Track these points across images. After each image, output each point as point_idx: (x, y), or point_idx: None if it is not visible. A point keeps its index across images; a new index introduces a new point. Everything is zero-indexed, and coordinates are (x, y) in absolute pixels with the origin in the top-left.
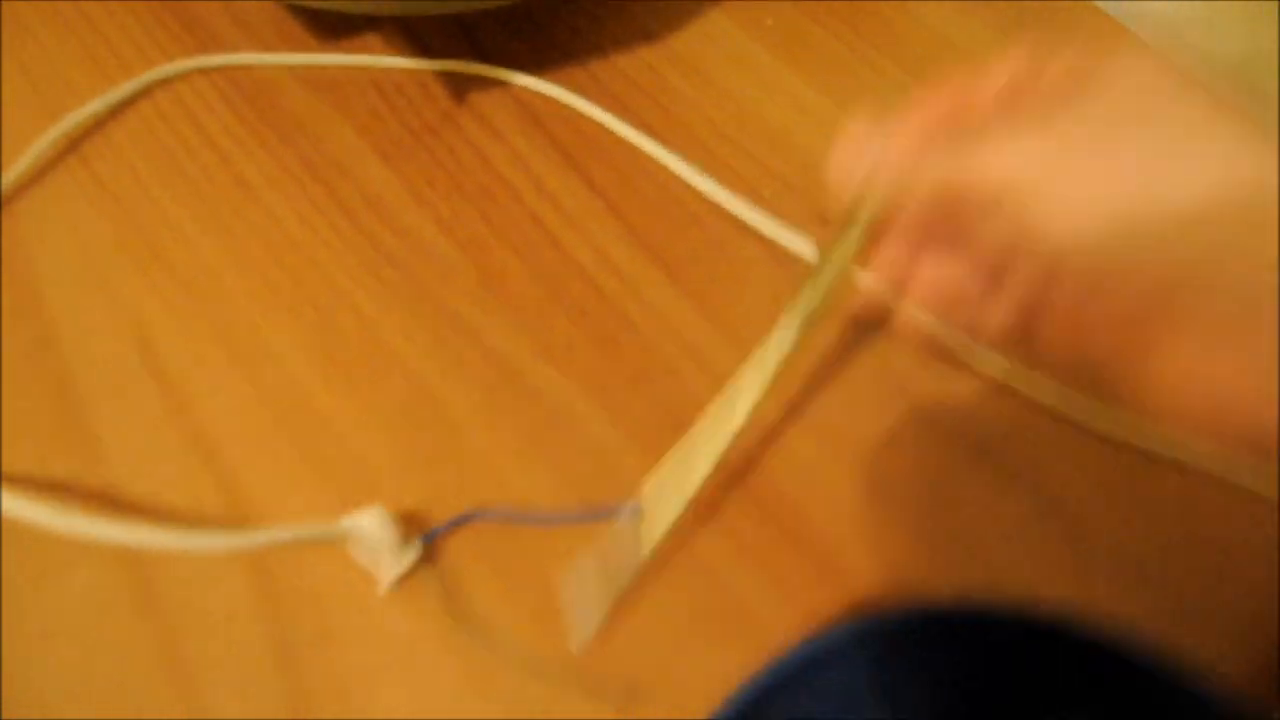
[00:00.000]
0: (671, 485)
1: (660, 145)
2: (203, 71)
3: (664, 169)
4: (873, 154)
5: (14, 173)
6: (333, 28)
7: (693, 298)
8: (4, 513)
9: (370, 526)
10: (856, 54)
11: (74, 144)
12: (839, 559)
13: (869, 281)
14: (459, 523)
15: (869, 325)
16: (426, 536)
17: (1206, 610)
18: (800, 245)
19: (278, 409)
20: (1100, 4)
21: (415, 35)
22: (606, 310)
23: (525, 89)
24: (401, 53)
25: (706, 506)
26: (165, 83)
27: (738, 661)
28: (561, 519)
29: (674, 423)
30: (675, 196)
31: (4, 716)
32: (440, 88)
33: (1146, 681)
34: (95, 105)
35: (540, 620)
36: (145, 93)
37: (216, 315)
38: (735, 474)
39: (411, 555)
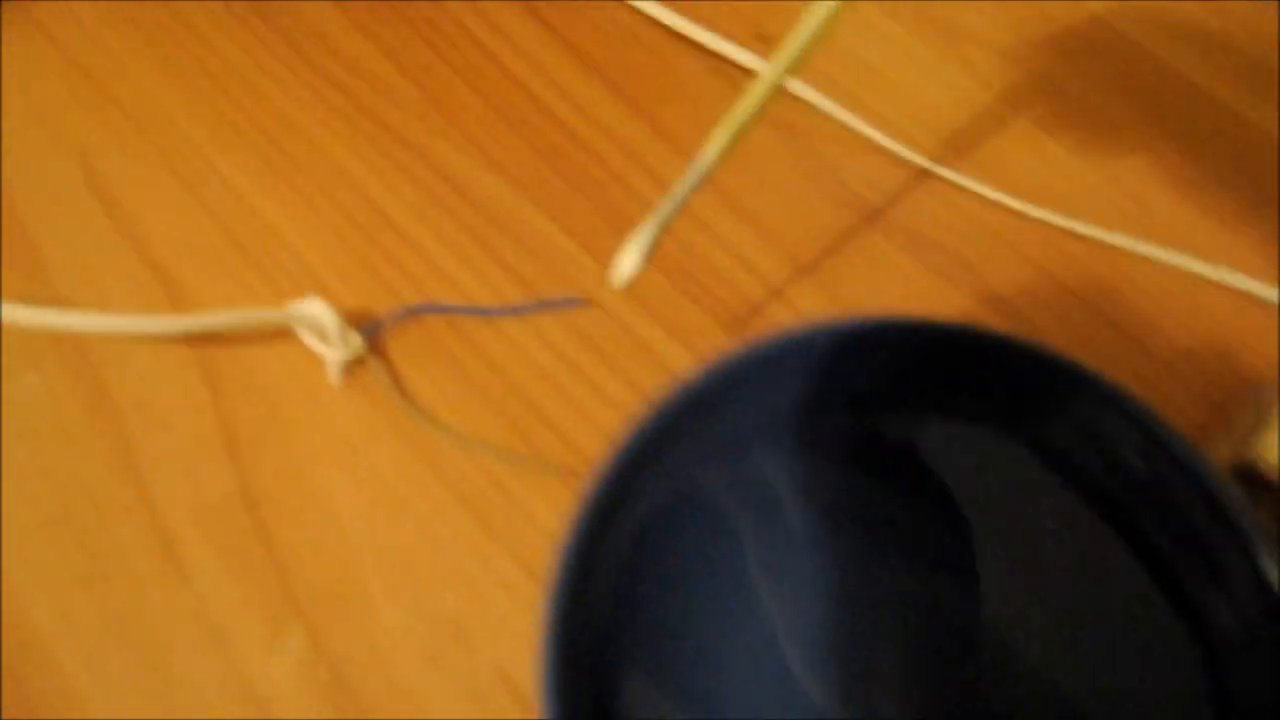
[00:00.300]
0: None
1: None
2: None
3: None
4: None
5: None
6: None
7: (636, 110)
8: None
9: (315, 313)
10: None
11: None
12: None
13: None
14: (403, 315)
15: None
16: (370, 328)
17: None
18: (739, 56)
19: (223, 220)
20: None
21: None
22: (552, 125)
23: None
24: None
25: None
26: None
27: None
28: (503, 311)
29: (618, 224)
30: (616, 17)
31: None
32: None
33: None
34: None
35: (484, 404)
36: None
37: (161, 141)
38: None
39: (357, 343)
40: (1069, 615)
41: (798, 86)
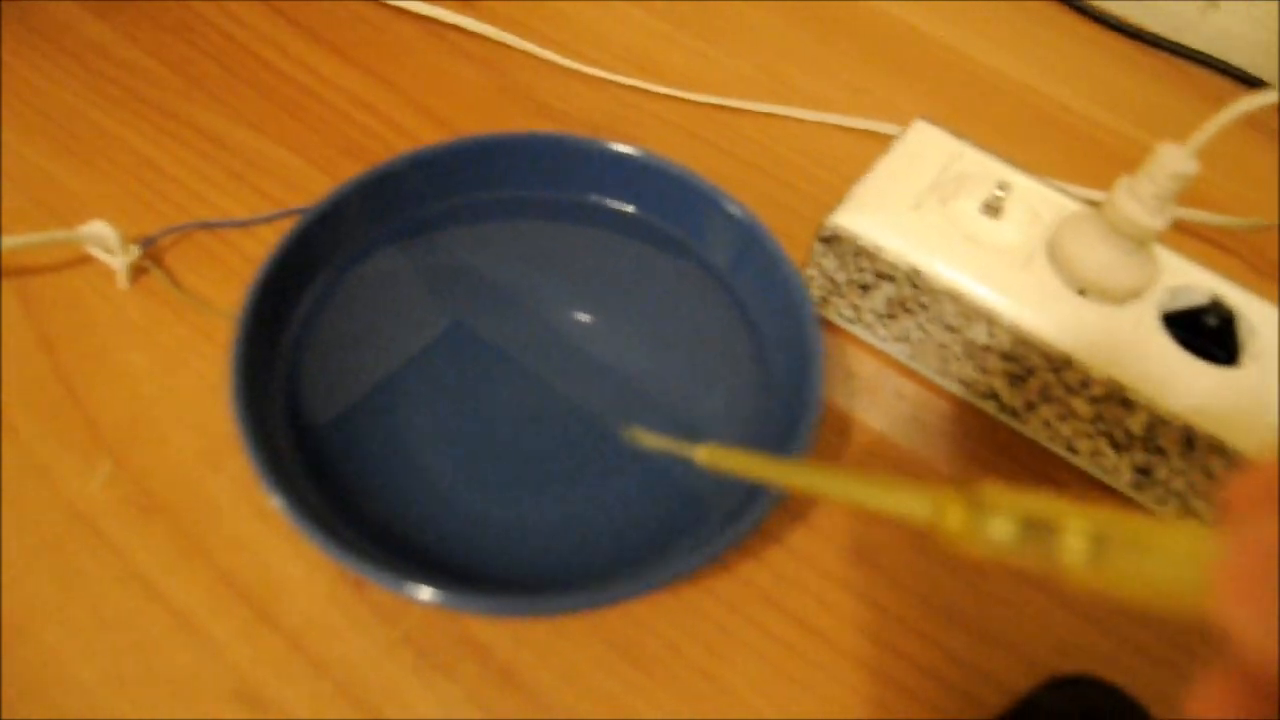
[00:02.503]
0: None
1: None
2: None
3: None
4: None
5: None
6: None
7: (361, 68)
8: None
9: (100, 232)
10: None
11: None
12: None
13: None
14: (175, 231)
15: None
16: (147, 242)
17: None
18: (447, 15)
19: (25, 189)
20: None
21: None
22: (291, 86)
23: None
24: None
25: None
26: None
27: None
28: (255, 221)
29: (349, 149)
30: (345, 5)
31: None
32: None
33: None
34: None
35: (243, 287)
36: None
37: None
38: None
39: (136, 253)
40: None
41: (494, 31)
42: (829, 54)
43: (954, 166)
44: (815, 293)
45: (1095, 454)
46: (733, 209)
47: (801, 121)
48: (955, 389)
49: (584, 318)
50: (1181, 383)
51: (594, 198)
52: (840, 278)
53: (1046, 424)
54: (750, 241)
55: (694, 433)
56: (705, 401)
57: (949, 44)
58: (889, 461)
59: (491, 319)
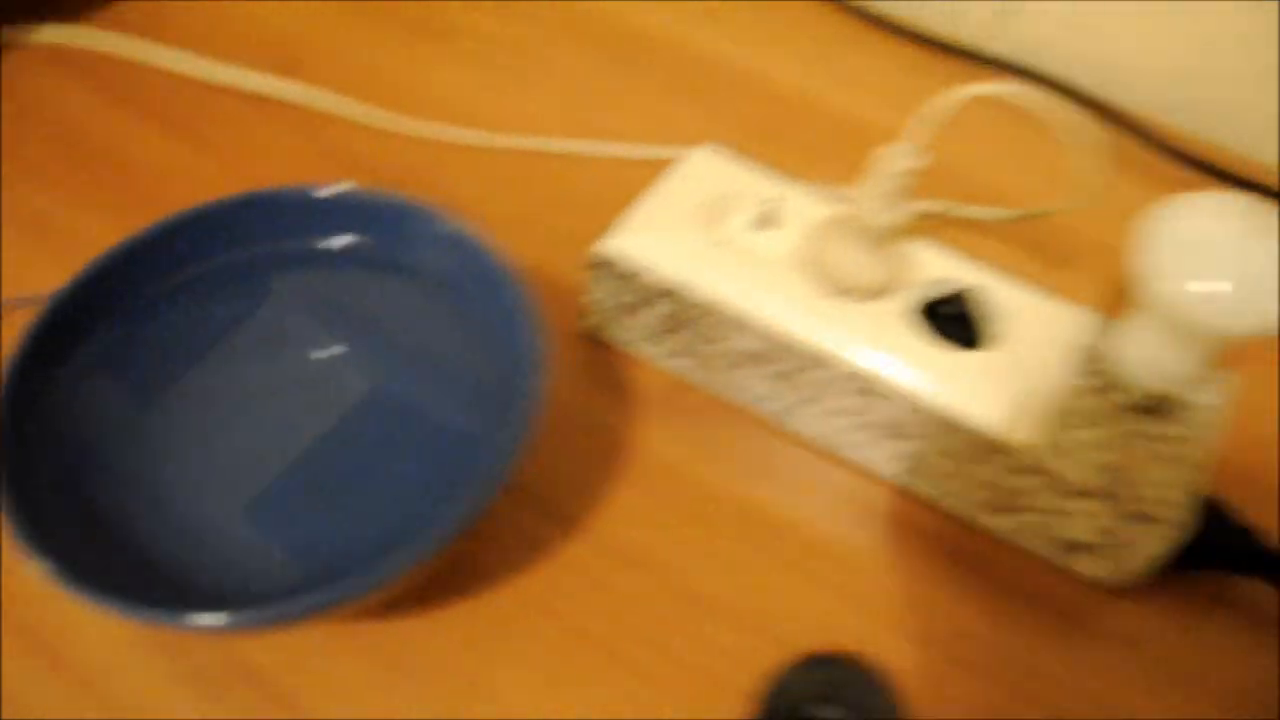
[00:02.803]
0: None
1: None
2: None
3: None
4: None
5: None
6: None
7: (181, 138)
8: None
9: None
10: None
11: None
12: None
13: None
14: None
15: None
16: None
17: None
18: (271, 86)
19: None
20: None
21: None
22: (134, 172)
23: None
24: None
25: None
26: None
27: None
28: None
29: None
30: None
31: None
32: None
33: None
34: None
35: None
36: None
37: None
38: None
39: None
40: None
41: (316, 93)
42: (634, 87)
43: (727, 185)
44: (595, 318)
45: (865, 446)
46: (445, 226)
47: (600, 157)
48: (730, 395)
49: (332, 350)
50: (924, 370)
51: (318, 239)
52: (614, 302)
53: (816, 421)
54: (468, 254)
55: (439, 445)
56: (445, 414)
57: (754, 70)
58: (670, 478)
59: (245, 365)
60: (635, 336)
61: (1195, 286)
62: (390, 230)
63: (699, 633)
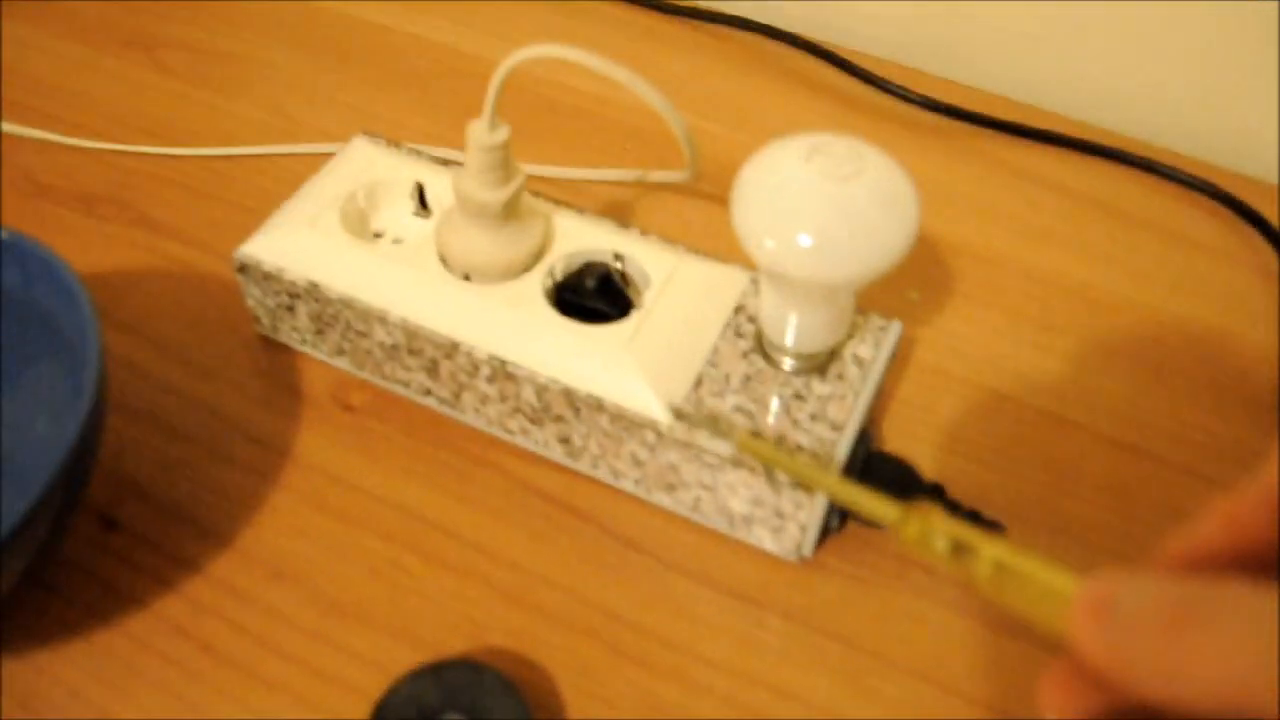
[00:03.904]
0: None
1: None
2: None
3: None
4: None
5: None
6: None
7: None
8: None
9: None
10: None
11: None
12: None
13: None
14: None
15: None
16: None
17: None
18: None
19: None
20: None
21: None
22: None
23: None
24: None
25: None
26: None
27: None
28: None
29: None
30: None
31: None
32: None
33: None
34: None
35: None
36: None
37: None
38: None
39: None
40: None
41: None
42: (343, 84)
43: (381, 174)
44: (265, 321)
45: (524, 431)
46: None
47: (301, 156)
48: (398, 390)
49: None
50: (557, 348)
51: None
52: (269, 303)
53: (477, 410)
54: (28, 257)
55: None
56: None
57: (468, 54)
58: (327, 483)
59: None
60: (301, 336)
61: (771, 244)
62: None
63: (341, 642)
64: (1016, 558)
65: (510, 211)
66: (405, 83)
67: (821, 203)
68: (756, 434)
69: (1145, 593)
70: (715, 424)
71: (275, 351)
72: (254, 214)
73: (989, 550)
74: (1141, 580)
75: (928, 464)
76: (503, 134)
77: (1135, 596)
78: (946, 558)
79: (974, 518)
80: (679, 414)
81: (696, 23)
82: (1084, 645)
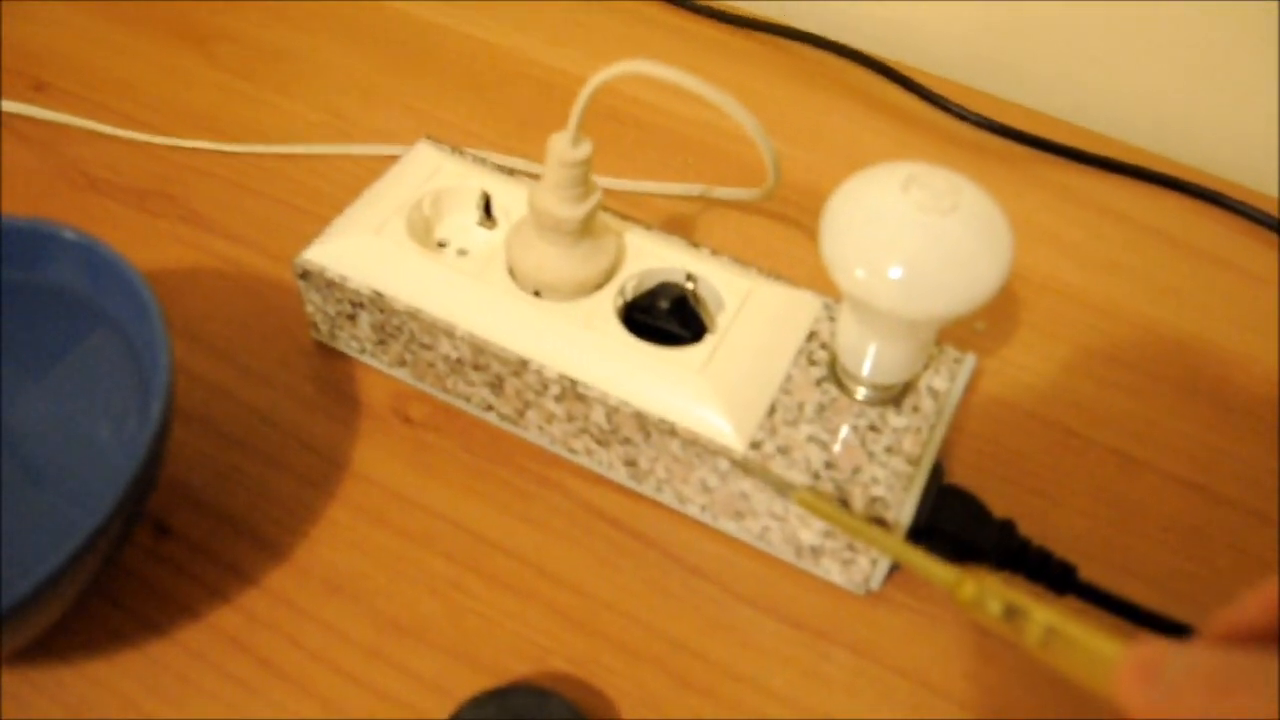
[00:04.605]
0: None
1: None
2: None
3: None
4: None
5: None
6: None
7: None
8: None
9: None
10: None
11: None
12: None
13: None
14: None
15: None
16: None
17: None
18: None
19: None
20: None
21: None
22: None
23: None
24: None
25: None
26: None
27: None
28: None
29: None
30: None
31: None
32: None
33: None
34: None
35: None
36: None
37: None
38: None
39: None
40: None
41: (55, 115)
42: (400, 85)
43: (445, 181)
44: (323, 328)
45: (589, 452)
46: (68, 235)
47: (356, 157)
48: (459, 404)
49: None
50: (629, 370)
51: None
52: (330, 310)
53: (540, 428)
54: (98, 261)
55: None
56: (89, 431)
57: (544, 63)
58: (385, 496)
59: None
60: (360, 345)
61: (863, 274)
62: (17, 251)
63: (400, 661)
64: (1066, 624)
65: (586, 228)
66: (462, 85)
67: (917, 235)
68: (815, 491)
69: (1190, 659)
70: (771, 477)
71: (331, 359)
72: (307, 215)
73: (1040, 615)
74: (1186, 648)
75: (995, 499)
76: (585, 150)
77: (1181, 661)
78: (1000, 620)
79: (1043, 556)
80: (737, 463)
81: (755, 34)
82: (1130, 704)
